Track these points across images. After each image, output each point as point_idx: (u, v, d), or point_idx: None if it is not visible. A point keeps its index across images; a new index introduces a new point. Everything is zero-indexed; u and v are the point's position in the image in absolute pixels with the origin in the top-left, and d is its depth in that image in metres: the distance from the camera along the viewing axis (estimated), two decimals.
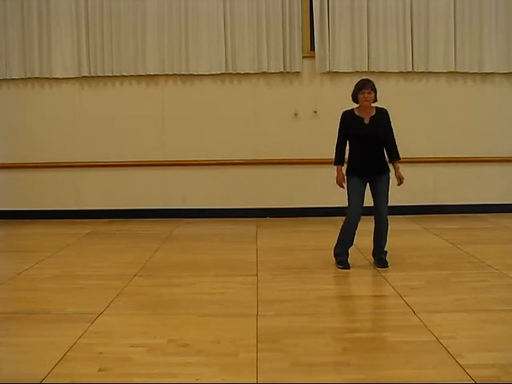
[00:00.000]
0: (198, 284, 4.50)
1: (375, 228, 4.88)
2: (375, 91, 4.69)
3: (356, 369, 2.90)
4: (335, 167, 4.84)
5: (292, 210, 7.56)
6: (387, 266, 4.82)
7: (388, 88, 7.49)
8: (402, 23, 7.38)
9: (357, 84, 4.74)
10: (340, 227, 4.92)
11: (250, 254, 5.51)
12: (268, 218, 7.53)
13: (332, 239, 5.74)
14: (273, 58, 7.42)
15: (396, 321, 3.61)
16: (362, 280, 4.57)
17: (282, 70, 7.45)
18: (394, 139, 4.84)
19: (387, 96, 7.50)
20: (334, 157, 4.87)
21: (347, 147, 4.86)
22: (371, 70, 7.40)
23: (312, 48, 7.50)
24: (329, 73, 7.49)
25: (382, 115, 4.77)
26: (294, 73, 7.52)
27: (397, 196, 7.56)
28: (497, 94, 7.60)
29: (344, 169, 4.84)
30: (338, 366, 2.92)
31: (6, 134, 7.60)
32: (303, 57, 7.49)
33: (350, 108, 4.81)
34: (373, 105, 4.76)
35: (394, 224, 6.99)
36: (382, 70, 7.43)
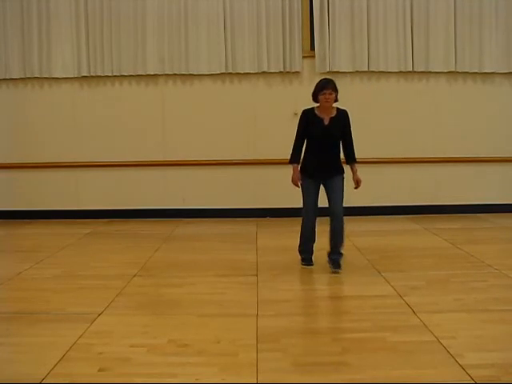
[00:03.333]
0: (198, 284, 4.50)
1: (330, 228, 4.77)
2: (336, 91, 4.63)
3: (355, 369, 2.90)
4: (291, 166, 4.86)
5: (292, 210, 7.53)
6: (339, 269, 4.69)
7: (388, 88, 7.52)
8: (402, 23, 7.38)
9: (317, 84, 4.69)
10: (300, 229, 4.94)
11: (250, 254, 5.51)
12: (268, 218, 7.53)
13: None
14: (273, 57, 7.41)
15: (396, 321, 3.61)
16: (361, 280, 4.57)
17: (281, 70, 7.45)
18: (352, 141, 4.78)
19: (387, 96, 7.61)
20: (290, 155, 4.87)
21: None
22: (371, 69, 7.41)
23: (312, 48, 7.50)
24: (329, 73, 7.46)
25: (343, 116, 4.72)
26: (293, 73, 7.52)
27: (397, 196, 7.62)
28: (497, 94, 7.60)
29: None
30: (337, 366, 2.92)
31: (6, 133, 7.60)
32: (303, 57, 7.48)
33: (310, 107, 4.77)
34: (334, 105, 4.70)
35: (394, 224, 7.05)
36: (381, 70, 7.43)
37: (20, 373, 2.90)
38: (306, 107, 4.79)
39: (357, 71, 7.39)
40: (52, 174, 7.62)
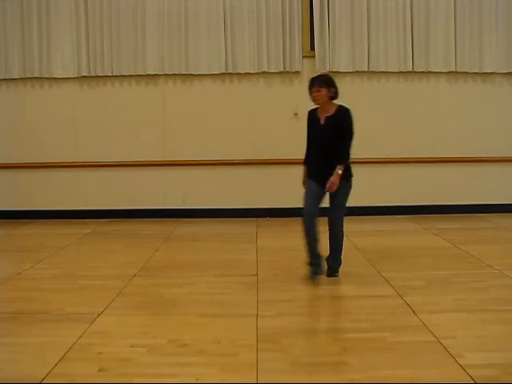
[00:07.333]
0: (198, 284, 4.50)
1: (329, 236, 4.63)
2: (327, 86, 4.37)
3: (355, 369, 2.90)
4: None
5: (292, 210, 7.54)
6: (333, 276, 4.58)
7: (388, 88, 7.52)
8: (402, 23, 7.37)
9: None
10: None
11: (250, 254, 5.51)
12: (268, 218, 7.53)
13: None
14: (273, 57, 7.41)
15: (396, 321, 3.61)
16: (361, 280, 4.57)
17: (281, 70, 7.45)
18: (346, 142, 4.40)
19: (387, 96, 7.60)
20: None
21: None
22: (371, 69, 7.41)
23: (312, 48, 7.50)
24: (329, 73, 7.47)
25: (339, 115, 4.41)
26: (293, 72, 7.51)
27: (397, 196, 7.61)
28: (497, 94, 7.59)
29: None
30: (337, 366, 2.92)
31: (5, 133, 7.59)
32: (303, 56, 7.48)
33: (315, 107, 4.57)
34: (336, 103, 4.47)
35: (394, 224, 7.05)
36: (382, 70, 7.43)
37: (20, 373, 2.90)
38: (312, 107, 4.61)
39: (357, 71, 7.39)
40: (52, 173, 7.62)
